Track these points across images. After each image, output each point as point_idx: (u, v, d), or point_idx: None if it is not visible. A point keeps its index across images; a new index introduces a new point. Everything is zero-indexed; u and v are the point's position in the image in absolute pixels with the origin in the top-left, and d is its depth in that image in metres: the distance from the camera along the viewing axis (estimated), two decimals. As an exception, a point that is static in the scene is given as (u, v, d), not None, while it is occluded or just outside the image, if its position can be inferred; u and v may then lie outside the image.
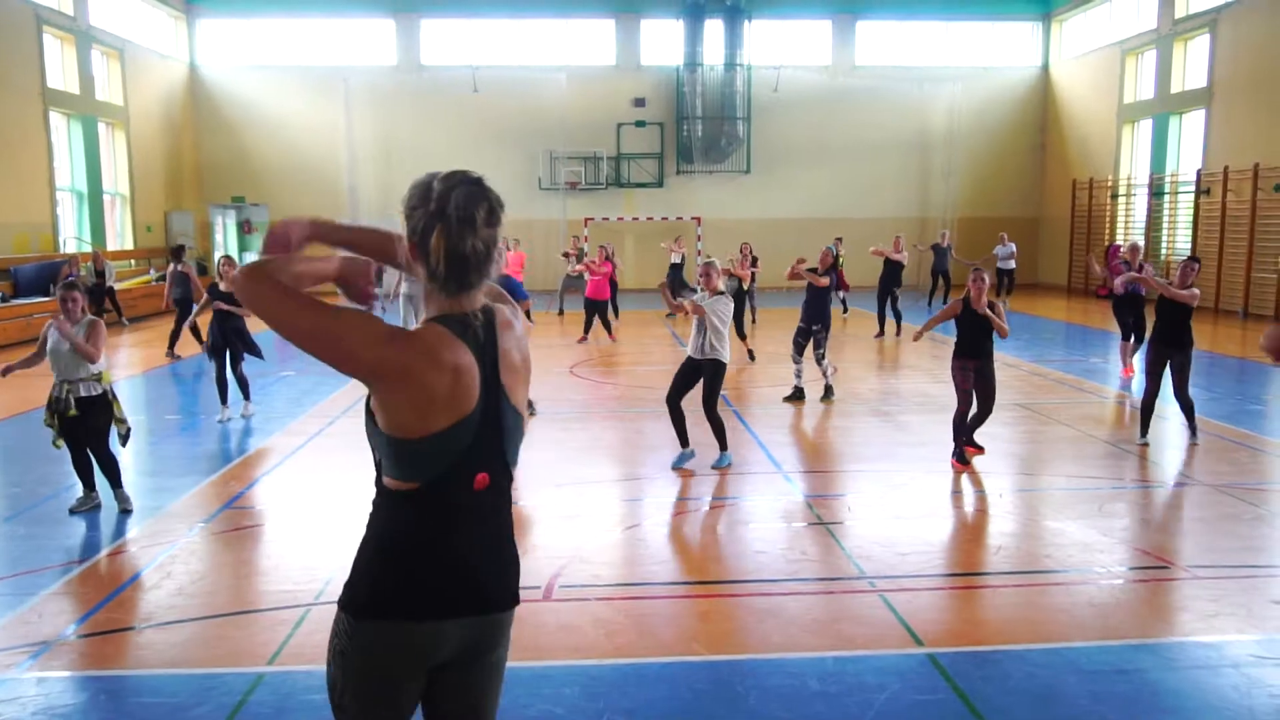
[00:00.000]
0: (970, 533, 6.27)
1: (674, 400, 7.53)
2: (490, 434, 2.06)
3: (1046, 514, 6.48)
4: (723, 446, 7.57)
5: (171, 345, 13.92)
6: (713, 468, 7.49)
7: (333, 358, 1.94)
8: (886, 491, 7.00)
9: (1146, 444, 8.12)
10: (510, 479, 2.15)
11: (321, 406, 10.12)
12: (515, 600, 2.17)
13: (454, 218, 1.95)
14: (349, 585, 2.07)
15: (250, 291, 1.94)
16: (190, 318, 12.81)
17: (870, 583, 5.16)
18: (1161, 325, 8.06)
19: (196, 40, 25.22)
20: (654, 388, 9.99)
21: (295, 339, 1.94)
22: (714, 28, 25.12)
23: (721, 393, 7.93)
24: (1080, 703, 3.84)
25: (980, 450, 7.84)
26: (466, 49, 25.20)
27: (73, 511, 6.42)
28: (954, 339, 7.74)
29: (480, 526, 2.09)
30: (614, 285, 16.25)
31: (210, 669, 4.23)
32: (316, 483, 7.39)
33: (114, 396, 6.46)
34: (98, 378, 6.33)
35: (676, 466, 7.51)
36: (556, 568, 5.38)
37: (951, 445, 7.68)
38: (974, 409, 7.66)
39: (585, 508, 6.63)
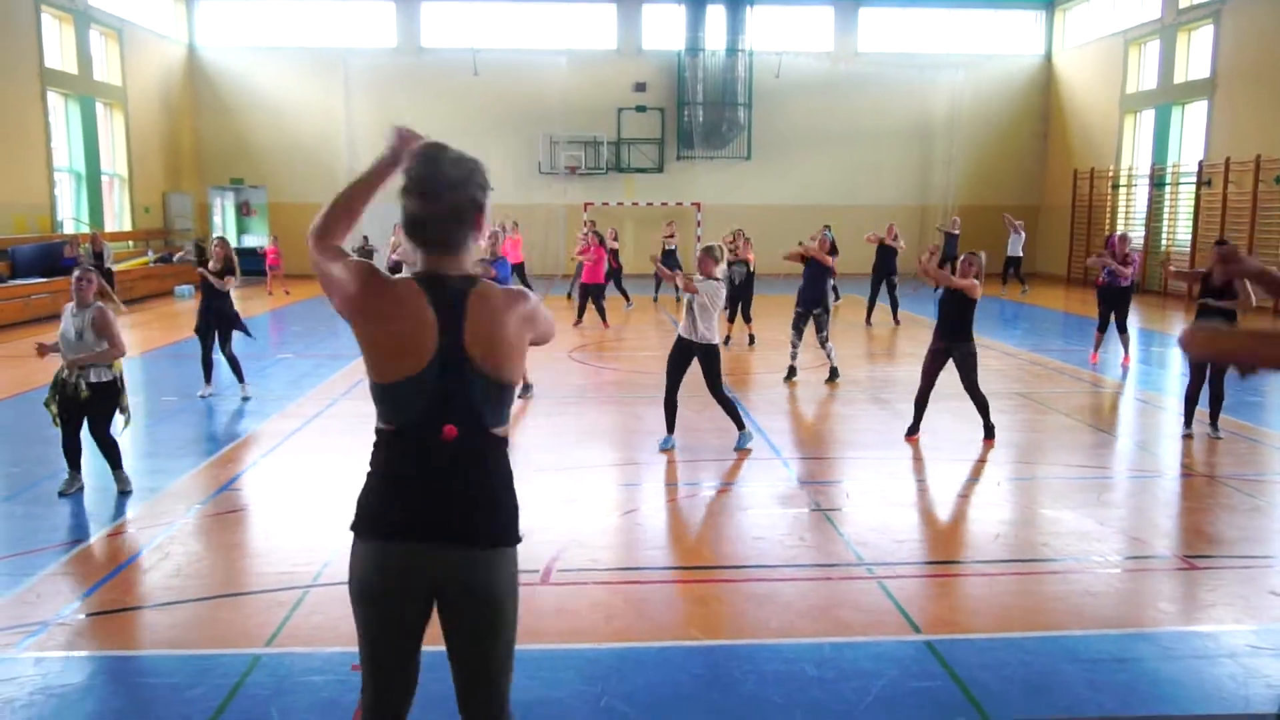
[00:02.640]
0: (967, 520, 6.27)
1: (673, 391, 7.61)
2: (454, 390, 2.26)
3: (1044, 502, 6.49)
4: (740, 426, 7.64)
5: None
6: (736, 450, 7.57)
7: (332, 292, 2.32)
8: (884, 478, 7.00)
9: (1191, 435, 8.06)
10: (485, 436, 2.33)
11: (320, 389, 10.10)
12: (485, 539, 2.32)
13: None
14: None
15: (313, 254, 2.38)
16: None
17: (868, 569, 5.16)
18: (1205, 318, 8.05)
19: (195, 20, 25.09)
20: (652, 373, 9.98)
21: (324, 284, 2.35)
22: (716, 12, 24.98)
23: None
24: (1077, 691, 3.85)
25: (990, 443, 7.89)
26: (467, 32, 25.08)
27: (61, 494, 6.40)
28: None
29: (442, 471, 2.28)
30: (613, 269, 16.23)
31: (207, 650, 4.23)
32: (314, 465, 7.39)
33: (122, 386, 6.42)
34: (109, 364, 6.29)
35: (663, 449, 7.58)
36: (554, 551, 5.38)
37: (916, 420, 8.12)
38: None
39: (582, 492, 6.63)
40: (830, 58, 25.76)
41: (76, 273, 6.41)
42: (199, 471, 7.07)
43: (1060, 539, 5.70)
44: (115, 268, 18.68)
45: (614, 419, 8.97)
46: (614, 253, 17.31)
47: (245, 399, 9.50)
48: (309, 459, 7.60)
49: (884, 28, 25.90)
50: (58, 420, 6.32)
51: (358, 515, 2.34)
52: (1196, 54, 21.00)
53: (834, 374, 10.43)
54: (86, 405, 6.24)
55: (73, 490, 6.44)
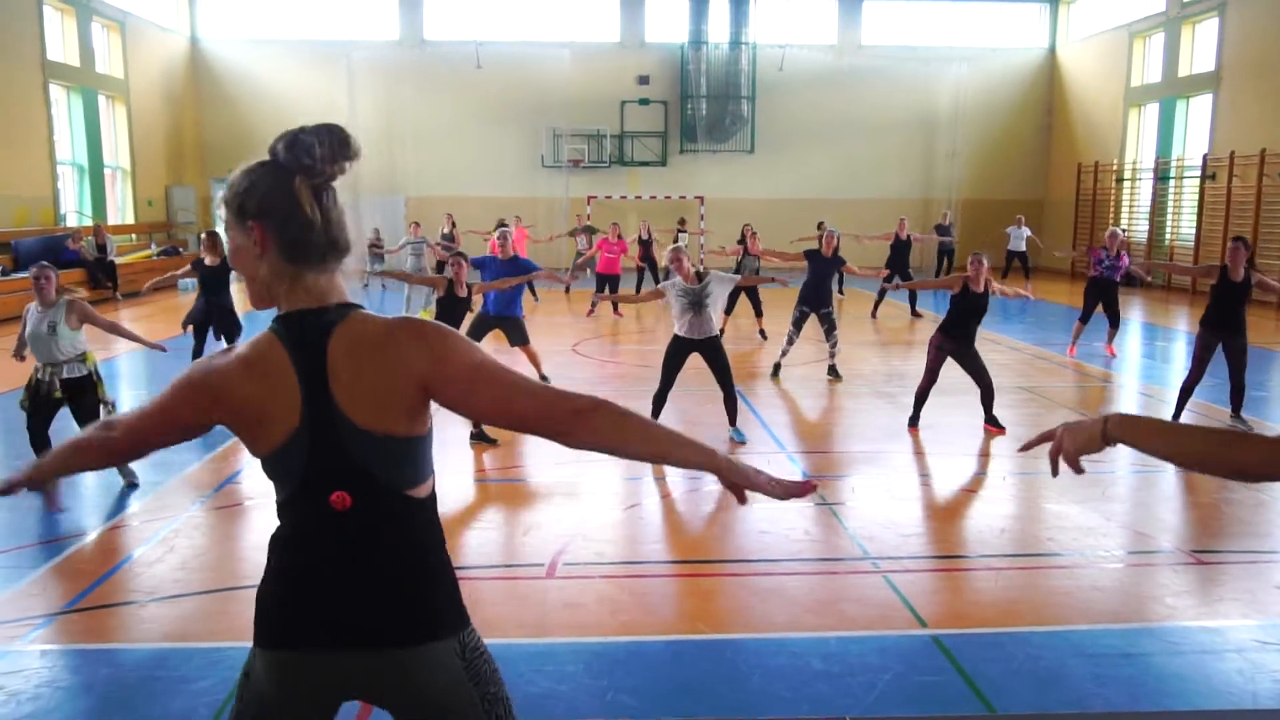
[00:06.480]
0: (973, 515, 6.26)
1: (666, 389, 7.69)
2: (328, 449, 1.78)
3: (1049, 497, 6.47)
4: (732, 422, 7.72)
5: None
6: (738, 441, 7.64)
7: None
8: (889, 473, 6.99)
9: None
10: (395, 499, 1.82)
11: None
12: (406, 635, 1.81)
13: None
14: None
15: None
16: (160, 282, 11.65)
17: (873, 563, 5.16)
18: (1217, 309, 7.97)
19: (198, 13, 25.06)
20: (656, 366, 9.96)
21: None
22: (719, 5, 24.91)
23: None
24: (1084, 685, 3.84)
25: (1000, 430, 7.89)
26: (470, 24, 25.03)
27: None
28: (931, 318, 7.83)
29: (341, 550, 1.80)
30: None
31: (214, 643, 4.24)
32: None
33: (99, 378, 6.36)
34: (82, 359, 6.21)
35: None
36: (560, 545, 5.38)
37: (909, 413, 8.22)
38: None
39: (586, 486, 6.63)
40: (834, 51, 25.69)
41: (34, 271, 6.32)
42: (201, 465, 7.07)
43: (1065, 534, 5.69)
44: (118, 261, 18.69)
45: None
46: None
47: None
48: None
49: (887, 21, 25.83)
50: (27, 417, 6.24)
51: (255, 615, 1.88)
52: (1201, 47, 20.93)
53: (833, 371, 10.32)
54: (60, 403, 6.16)
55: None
